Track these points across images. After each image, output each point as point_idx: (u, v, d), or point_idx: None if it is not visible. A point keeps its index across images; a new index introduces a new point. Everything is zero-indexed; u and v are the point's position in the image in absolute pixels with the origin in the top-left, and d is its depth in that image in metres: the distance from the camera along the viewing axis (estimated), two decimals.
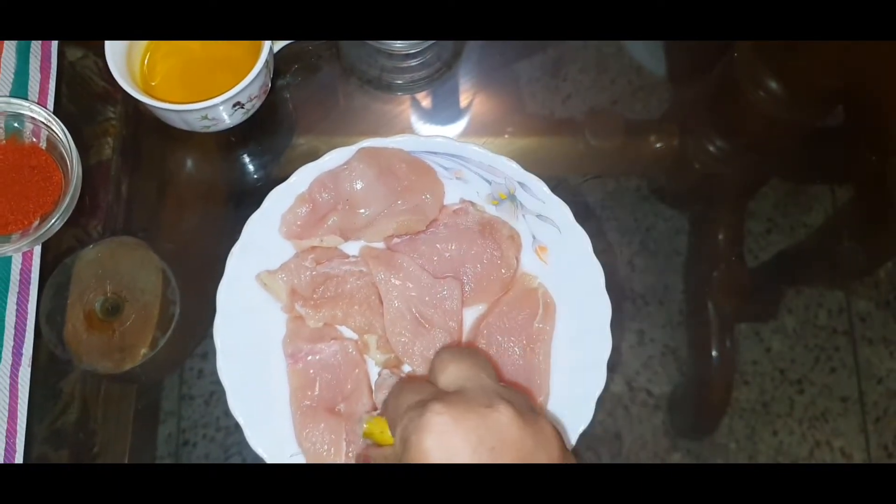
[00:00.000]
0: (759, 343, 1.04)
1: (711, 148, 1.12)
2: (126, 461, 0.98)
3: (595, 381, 0.92)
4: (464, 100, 1.11)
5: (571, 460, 0.69)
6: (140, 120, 1.09)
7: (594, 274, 0.93)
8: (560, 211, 0.95)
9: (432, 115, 1.11)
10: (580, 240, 0.94)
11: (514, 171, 0.96)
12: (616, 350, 0.92)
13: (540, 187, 0.95)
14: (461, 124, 1.10)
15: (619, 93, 1.13)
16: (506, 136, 1.10)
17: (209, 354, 1.00)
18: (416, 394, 0.71)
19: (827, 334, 1.05)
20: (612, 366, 0.92)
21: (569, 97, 1.12)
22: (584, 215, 0.96)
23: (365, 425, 0.80)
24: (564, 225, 0.95)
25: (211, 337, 0.95)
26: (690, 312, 1.05)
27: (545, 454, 0.66)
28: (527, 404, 0.70)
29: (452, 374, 0.73)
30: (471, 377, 0.72)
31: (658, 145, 1.12)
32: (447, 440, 0.64)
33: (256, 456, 0.92)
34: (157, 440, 0.99)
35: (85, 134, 1.06)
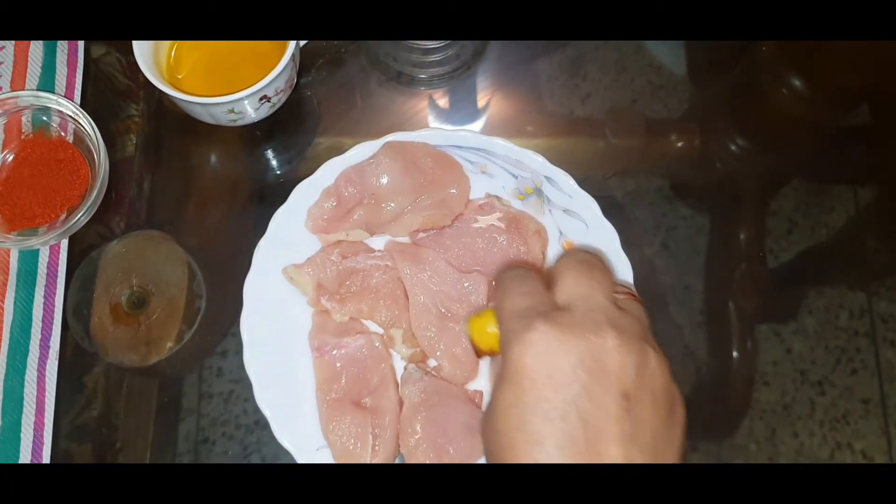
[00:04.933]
0: (780, 344, 1.04)
1: (733, 147, 1.12)
2: (147, 458, 0.98)
3: None
4: (484, 97, 1.11)
5: (676, 394, 0.69)
6: (163, 116, 1.10)
7: (623, 269, 0.93)
8: (587, 205, 0.95)
9: (453, 112, 1.11)
10: (608, 234, 0.94)
11: (540, 165, 0.96)
12: None
13: (567, 181, 0.95)
14: (481, 122, 1.10)
15: (639, 92, 1.13)
16: (526, 134, 1.10)
17: (228, 353, 1.01)
18: (526, 297, 0.72)
19: (848, 336, 1.05)
20: None
21: (588, 96, 1.13)
22: (606, 213, 0.96)
23: (468, 324, 0.80)
24: (592, 219, 0.95)
25: (230, 335, 0.95)
26: (710, 312, 1.05)
27: (648, 384, 0.66)
28: (638, 330, 0.69)
29: (568, 287, 0.72)
30: (584, 296, 0.71)
31: (679, 144, 1.12)
32: (548, 360, 0.65)
33: (275, 454, 0.92)
34: (178, 438, 0.99)
35: (108, 130, 1.07)
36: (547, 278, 0.74)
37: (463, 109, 1.11)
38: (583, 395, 0.64)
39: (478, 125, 1.10)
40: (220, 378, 1.01)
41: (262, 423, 0.93)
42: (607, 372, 0.65)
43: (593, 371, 0.64)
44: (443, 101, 1.11)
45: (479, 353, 0.79)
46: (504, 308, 0.72)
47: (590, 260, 0.76)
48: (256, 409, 0.91)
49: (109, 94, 1.10)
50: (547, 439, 0.63)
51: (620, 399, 0.64)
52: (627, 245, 0.94)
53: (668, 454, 0.66)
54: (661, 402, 0.66)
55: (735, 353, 1.04)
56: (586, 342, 0.65)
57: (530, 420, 0.64)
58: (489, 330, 0.75)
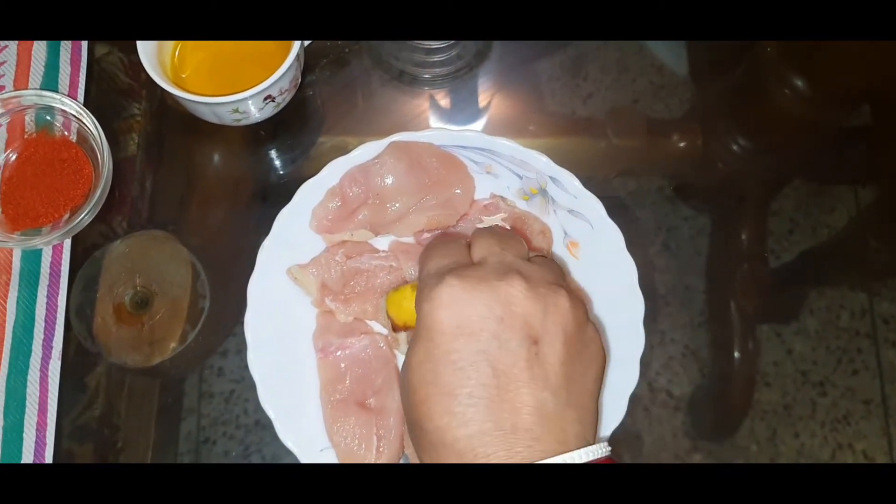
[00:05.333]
0: (781, 344, 1.04)
1: (734, 147, 1.12)
2: (149, 458, 0.98)
3: (627, 378, 0.92)
4: (485, 97, 1.11)
5: (590, 334, 0.71)
6: (166, 115, 1.09)
7: (627, 270, 0.93)
8: (592, 206, 0.95)
9: (455, 112, 1.11)
10: (613, 235, 0.94)
11: (545, 165, 0.96)
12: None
13: (571, 182, 0.95)
14: (483, 121, 1.10)
15: (640, 92, 1.13)
16: (528, 133, 1.10)
17: (229, 352, 1.00)
18: (444, 258, 0.75)
19: (849, 336, 1.05)
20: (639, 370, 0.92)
21: (590, 96, 1.12)
22: (611, 213, 0.96)
23: (385, 300, 0.83)
24: (596, 220, 0.95)
25: (231, 335, 0.95)
26: (712, 313, 1.05)
27: (558, 326, 0.68)
28: (548, 277, 0.72)
29: (482, 248, 0.76)
30: (495, 252, 0.74)
31: (681, 144, 1.12)
32: (456, 312, 0.67)
33: (276, 453, 0.92)
34: (178, 438, 0.98)
35: (111, 129, 1.06)
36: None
37: (465, 109, 1.11)
38: (492, 343, 0.66)
39: (480, 125, 1.10)
40: (220, 378, 1.00)
41: (262, 423, 0.93)
42: (515, 318, 0.67)
43: (501, 319, 0.67)
44: (445, 101, 1.11)
45: (395, 328, 0.85)
46: (422, 272, 0.75)
47: (504, 230, 0.84)
48: (257, 409, 0.91)
49: (112, 93, 1.09)
50: (458, 389, 0.65)
51: (529, 344, 0.67)
52: (629, 245, 0.94)
53: (582, 394, 0.69)
54: (572, 343, 0.69)
55: (736, 354, 1.04)
56: (493, 291, 0.68)
57: (442, 372, 0.66)
58: (405, 304, 0.80)
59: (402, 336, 0.94)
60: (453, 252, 0.76)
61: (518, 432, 0.64)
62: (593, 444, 0.66)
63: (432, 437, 0.66)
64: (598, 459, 0.65)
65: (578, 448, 0.65)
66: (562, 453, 0.64)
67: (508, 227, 0.95)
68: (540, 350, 0.67)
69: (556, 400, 0.66)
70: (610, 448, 0.68)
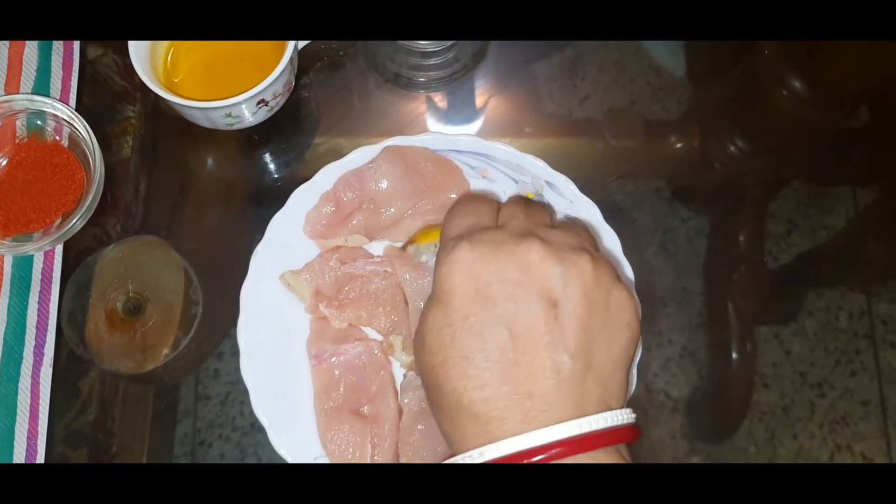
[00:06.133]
0: (780, 346, 1.04)
1: (732, 148, 1.11)
2: (144, 461, 0.97)
3: None
4: (482, 100, 1.11)
5: (622, 300, 0.70)
6: (160, 119, 1.09)
7: (624, 274, 0.93)
8: (588, 211, 0.94)
9: (452, 115, 1.10)
10: (609, 239, 0.94)
11: (541, 170, 0.95)
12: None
13: (568, 186, 0.95)
14: (480, 124, 1.10)
15: (637, 93, 1.13)
16: (524, 135, 1.09)
17: (224, 355, 1.00)
18: (466, 218, 0.76)
19: (848, 337, 1.05)
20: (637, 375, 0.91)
21: (587, 97, 1.12)
22: (607, 217, 0.96)
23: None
24: (593, 224, 0.94)
25: (227, 337, 0.95)
26: (710, 314, 1.04)
27: (578, 289, 0.67)
28: (571, 241, 0.71)
29: (505, 212, 0.76)
30: (518, 217, 0.75)
31: (678, 146, 1.11)
32: (474, 276, 0.68)
33: (272, 456, 0.92)
34: (174, 440, 0.98)
35: (104, 133, 1.06)
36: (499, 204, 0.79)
37: (462, 112, 1.10)
38: (508, 307, 0.66)
39: (476, 127, 1.10)
40: (216, 380, 1.00)
41: (258, 426, 0.92)
42: (533, 281, 0.67)
43: (519, 282, 0.67)
44: (442, 104, 1.10)
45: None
46: (443, 232, 0.76)
47: (535, 201, 0.83)
48: (253, 412, 0.90)
49: (106, 95, 1.09)
50: (475, 352, 0.65)
51: (548, 307, 0.66)
52: (626, 247, 0.93)
53: (606, 360, 0.68)
54: (595, 307, 0.67)
55: (734, 355, 1.04)
56: (510, 255, 0.68)
57: (459, 336, 0.66)
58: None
59: (397, 342, 0.94)
60: (474, 212, 0.77)
61: (535, 397, 0.64)
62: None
63: (449, 399, 0.67)
64: (617, 426, 0.65)
65: (597, 414, 0.64)
66: (578, 418, 0.63)
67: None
68: (559, 313, 0.66)
69: (575, 364, 0.65)
70: (634, 415, 0.67)
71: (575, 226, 0.76)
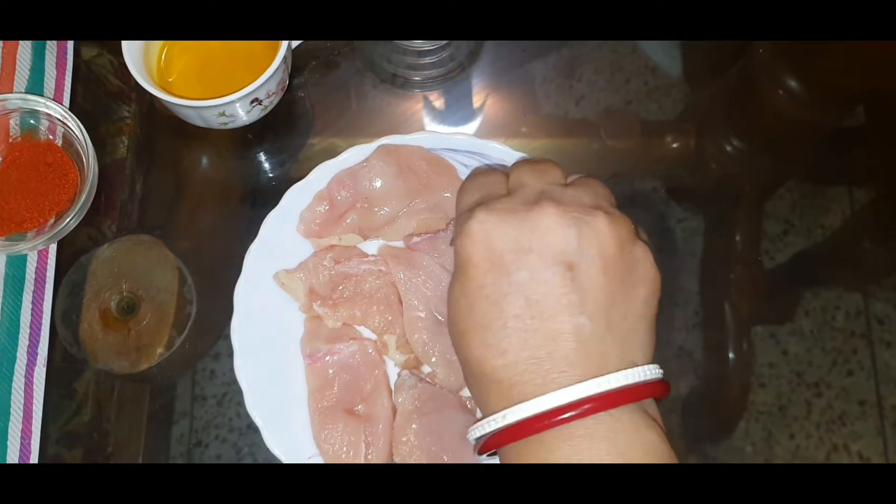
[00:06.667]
0: (776, 345, 1.04)
1: (728, 148, 1.11)
2: (139, 462, 0.97)
3: None
4: (478, 99, 1.11)
5: (637, 255, 0.70)
6: (155, 118, 1.09)
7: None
8: None
9: (448, 115, 1.10)
10: None
11: None
12: None
13: None
14: (476, 124, 1.10)
15: (634, 93, 1.12)
16: (520, 135, 1.09)
17: (221, 355, 1.00)
18: (477, 191, 0.76)
19: (844, 337, 1.04)
20: None
21: (583, 98, 1.12)
22: None
23: None
24: None
25: (223, 338, 0.95)
26: (706, 314, 1.04)
27: (594, 249, 0.67)
28: (585, 200, 0.71)
29: (513, 177, 0.76)
30: (527, 181, 0.74)
31: (674, 146, 1.11)
32: (488, 244, 0.68)
33: (268, 457, 0.91)
34: (170, 441, 0.98)
35: (100, 133, 1.06)
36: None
37: (458, 111, 1.10)
38: (523, 274, 0.66)
39: (472, 127, 1.09)
40: (213, 381, 1.00)
41: (255, 427, 0.92)
42: (548, 245, 0.67)
43: (532, 247, 0.67)
44: (437, 103, 1.10)
45: None
46: (457, 209, 0.77)
47: (542, 159, 0.79)
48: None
49: (101, 95, 1.09)
50: (493, 322, 0.66)
51: (564, 270, 0.66)
52: None
53: (627, 317, 0.68)
54: (613, 265, 0.67)
55: (731, 355, 1.04)
56: (522, 221, 0.68)
57: (476, 306, 0.68)
58: None
59: (391, 341, 0.94)
60: (485, 185, 0.77)
61: (555, 360, 0.64)
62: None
63: (473, 367, 0.68)
64: (642, 382, 0.65)
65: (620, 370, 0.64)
66: (598, 377, 0.63)
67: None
68: (576, 276, 0.66)
69: (595, 324, 0.65)
70: (660, 371, 0.68)
71: (588, 182, 0.75)
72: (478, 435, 0.68)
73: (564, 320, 0.65)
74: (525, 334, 0.65)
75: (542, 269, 0.66)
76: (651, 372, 0.67)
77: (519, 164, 0.78)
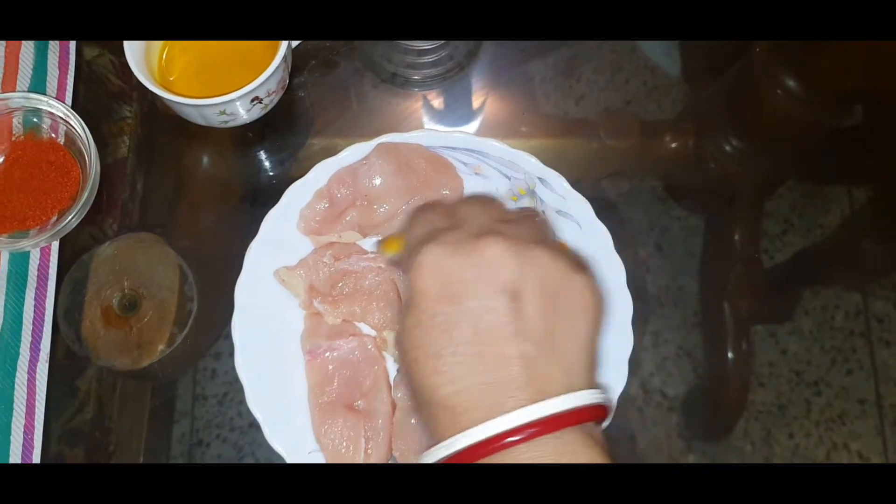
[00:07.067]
0: (776, 345, 1.04)
1: (727, 148, 1.11)
2: (140, 461, 0.98)
3: (616, 378, 0.91)
4: (478, 99, 1.11)
5: (577, 282, 0.72)
6: (156, 118, 1.09)
7: (615, 270, 0.93)
8: (580, 207, 0.95)
9: (447, 114, 1.11)
10: (601, 236, 0.94)
11: (533, 166, 0.96)
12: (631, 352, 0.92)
13: (560, 183, 0.95)
14: (475, 124, 1.10)
15: (633, 93, 1.13)
16: (520, 135, 1.10)
17: (222, 355, 1.00)
18: (423, 224, 0.79)
19: (844, 336, 1.05)
20: (628, 370, 0.92)
21: (583, 97, 1.12)
22: (600, 214, 0.96)
23: (381, 243, 0.88)
24: (585, 221, 0.95)
25: (224, 337, 0.95)
26: (706, 314, 1.04)
27: (536, 279, 0.69)
28: (526, 234, 0.74)
29: (461, 211, 0.79)
30: (474, 214, 0.78)
31: (673, 145, 1.11)
32: (438, 276, 0.70)
33: (269, 456, 0.92)
34: (171, 440, 0.98)
35: (101, 132, 1.06)
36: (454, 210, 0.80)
37: (457, 111, 1.11)
38: (472, 303, 0.68)
39: (472, 127, 1.10)
40: (214, 380, 1.00)
41: (256, 425, 0.92)
42: (493, 276, 0.69)
43: (480, 278, 0.69)
44: (437, 103, 1.11)
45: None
46: (408, 238, 0.79)
47: (488, 196, 0.87)
48: (251, 411, 0.91)
49: (103, 95, 1.09)
50: (444, 350, 0.67)
51: (509, 300, 0.68)
52: (621, 246, 0.93)
53: (569, 344, 0.70)
54: (554, 295, 0.70)
55: (730, 354, 1.04)
56: (470, 253, 0.70)
57: (429, 335, 0.69)
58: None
59: (391, 337, 0.94)
60: (432, 218, 0.79)
61: (501, 385, 0.66)
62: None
63: (425, 394, 0.69)
64: (585, 406, 0.66)
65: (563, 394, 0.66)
66: (544, 400, 0.65)
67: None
68: (520, 305, 0.68)
69: (539, 350, 0.67)
70: (603, 395, 0.69)
71: (530, 217, 0.80)
72: (429, 462, 0.68)
73: (511, 346, 0.67)
74: (475, 361, 0.67)
75: (488, 298, 0.68)
76: (593, 396, 0.68)
77: (465, 199, 0.84)
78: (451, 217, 0.79)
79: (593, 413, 0.67)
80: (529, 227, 0.76)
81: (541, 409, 0.64)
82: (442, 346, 0.68)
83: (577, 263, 0.73)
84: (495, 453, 0.63)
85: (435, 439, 0.68)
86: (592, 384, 0.70)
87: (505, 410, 0.64)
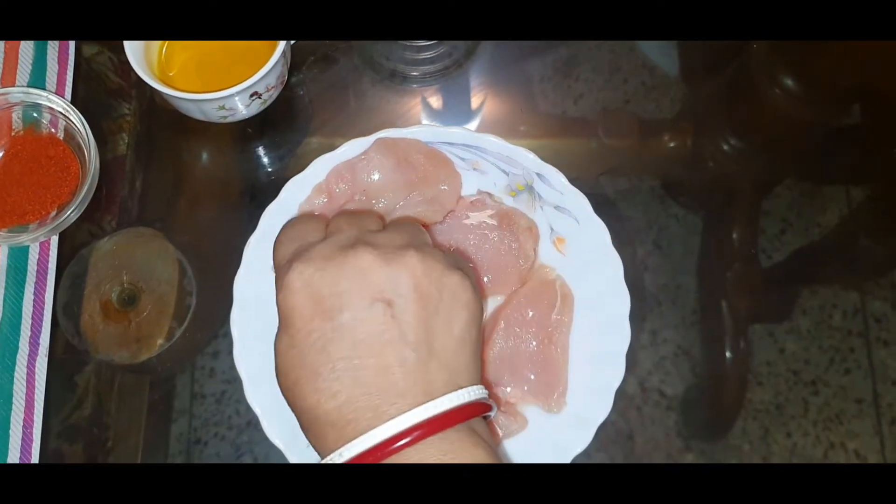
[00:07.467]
0: (773, 344, 1.04)
1: (725, 147, 1.12)
2: (139, 458, 0.98)
3: (613, 373, 0.91)
4: (476, 96, 1.11)
5: (449, 281, 0.72)
6: (155, 115, 1.10)
7: (613, 265, 0.93)
8: (578, 202, 0.95)
9: (446, 111, 1.11)
10: (599, 231, 0.94)
11: (532, 161, 0.95)
12: (629, 350, 0.91)
13: (558, 178, 0.95)
14: (474, 121, 1.10)
15: (631, 92, 1.13)
16: (518, 133, 1.10)
17: (221, 353, 1.01)
18: (293, 242, 0.78)
19: (842, 335, 1.05)
20: (625, 366, 0.92)
21: (581, 97, 1.13)
22: (598, 210, 0.96)
23: None
24: (583, 216, 0.95)
25: (222, 336, 0.95)
26: (704, 313, 1.04)
27: (409, 284, 0.70)
28: (396, 241, 0.74)
29: (332, 225, 0.79)
30: (342, 228, 0.77)
31: (672, 144, 1.11)
32: (309, 294, 0.70)
33: (268, 454, 0.92)
34: (170, 438, 0.99)
35: (100, 129, 1.06)
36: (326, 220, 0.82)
37: (455, 108, 1.11)
38: (346, 316, 0.69)
39: (470, 125, 1.10)
40: (212, 378, 1.00)
41: (254, 424, 0.93)
42: (366, 286, 0.69)
43: (352, 290, 0.69)
44: (435, 100, 1.11)
45: None
46: (274, 260, 0.79)
47: (359, 209, 0.87)
48: (249, 410, 0.90)
49: (102, 93, 1.10)
50: (322, 367, 0.68)
51: (384, 307, 0.69)
52: (620, 244, 0.93)
53: (448, 344, 0.71)
54: (428, 297, 0.71)
55: (728, 353, 1.04)
56: (339, 266, 0.70)
57: (306, 353, 0.69)
58: None
59: None
60: (300, 234, 0.79)
61: (383, 392, 0.66)
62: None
63: (308, 415, 0.69)
64: (466, 403, 0.68)
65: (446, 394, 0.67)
66: (426, 403, 0.66)
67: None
68: (395, 311, 0.69)
69: (418, 354, 0.68)
70: (485, 392, 0.70)
71: (401, 225, 0.80)
72: None
73: (389, 354, 0.68)
74: (354, 373, 0.67)
75: (362, 308, 0.69)
76: (475, 393, 0.69)
77: (337, 213, 0.82)
78: (317, 232, 0.79)
79: (476, 409, 0.69)
80: (399, 233, 0.76)
81: (424, 411, 0.65)
82: (320, 363, 0.68)
83: (450, 262, 0.74)
84: (384, 459, 0.64)
85: (323, 456, 0.68)
86: (475, 381, 0.72)
87: (388, 417, 0.65)
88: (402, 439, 0.64)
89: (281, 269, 0.75)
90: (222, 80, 0.95)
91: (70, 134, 1.02)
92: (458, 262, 0.76)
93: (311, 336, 0.69)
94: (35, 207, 0.99)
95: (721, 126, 1.13)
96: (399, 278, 0.69)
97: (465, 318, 0.72)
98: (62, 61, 1.07)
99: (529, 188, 0.97)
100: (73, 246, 1.02)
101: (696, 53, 1.16)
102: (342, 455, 0.65)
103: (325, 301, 0.69)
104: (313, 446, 0.71)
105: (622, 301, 0.92)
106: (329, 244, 0.73)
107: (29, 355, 0.97)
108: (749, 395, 1.02)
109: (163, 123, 1.09)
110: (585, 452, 0.89)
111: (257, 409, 0.90)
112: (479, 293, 0.76)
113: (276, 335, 0.73)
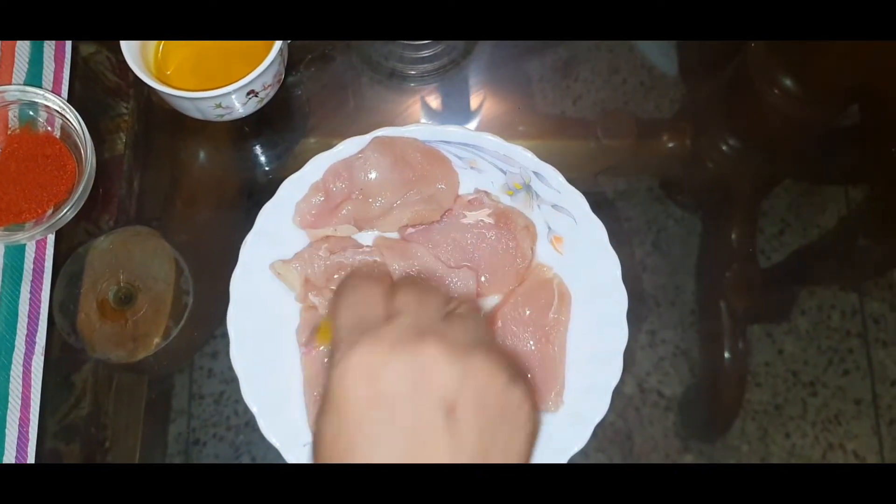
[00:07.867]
0: (772, 344, 1.04)
1: (724, 147, 1.12)
2: (137, 458, 0.98)
3: (611, 372, 0.91)
4: (474, 96, 1.11)
5: (513, 397, 0.68)
6: (152, 114, 1.09)
7: (610, 264, 0.93)
8: (575, 201, 0.95)
9: (444, 110, 1.11)
10: (596, 230, 0.94)
11: (529, 160, 0.96)
12: (627, 351, 0.92)
13: (555, 177, 0.95)
14: (473, 120, 1.10)
15: (630, 93, 1.13)
16: (517, 133, 1.10)
17: (219, 354, 1.00)
18: (357, 308, 0.72)
19: (840, 336, 1.05)
20: (624, 366, 0.92)
21: (580, 97, 1.12)
22: (595, 210, 0.96)
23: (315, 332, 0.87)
24: (580, 215, 0.95)
25: (220, 336, 0.95)
26: (702, 313, 1.04)
27: (476, 391, 0.65)
28: (466, 337, 0.69)
29: (399, 297, 0.72)
30: (412, 309, 0.71)
31: (670, 145, 1.11)
32: (369, 381, 0.64)
33: (265, 454, 0.92)
34: (168, 439, 0.98)
35: (97, 129, 1.06)
36: (390, 287, 0.74)
37: (454, 108, 1.11)
38: (406, 412, 0.64)
39: (469, 124, 1.10)
40: (210, 379, 1.00)
41: (252, 424, 0.92)
42: (430, 383, 0.64)
43: (416, 385, 0.64)
44: (433, 99, 1.11)
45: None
46: (335, 324, 0.72)
47: (425, 282, 0.77)
48: (247, 410, 0.90)
49: (99, 92, 1.09)
50: (373, 458, 0.63)
51: (445, 411, 0.64)
52: (618, 244, 0.93)
53: (504, 458, 0.66)
54: (493, 408, 0.66)
55: (727, 354, 1.04)
56: (407, 356, 0.65)
57: (358, 445, 0.64)
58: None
59: None
60: (363, 302, 0.73)
61: None
62: None
63: None
64: None
65: None
66: None
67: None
68: (457, 417, 0.64)
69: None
70: None
71: (467, 314, 0.74)
72: None
73: (446, 460, 0.64)
74: None
75: (425, 408, 0.64)
76: None
77: (403, 285, 0.75)
78: (383, 305, 0.73)
79: None
80: (469, 327, 0.71)
81: None
82: (371, 455, 0.63)
83: (515, 372, 0.70)
84: None
85: None
86: None
87: None
88: None
89: (340, 343, 0.69)
90: (219, 79, 0.95)
91: (66, 132, 1.02)
92: (519, 370, 0.73)
93: (364, 428, 0.64)
94: (31, 206, 0.99)
95: (720, 126, 1.13)
96: (466, 382, 0.65)
97: (524, 435, 0.68)
98: (59, 59, 1.07)
99: (527, 187, 0.97)
100: (69, 244, 1.02)
101: (695, 54, 1.16)
102: None
103: (384, 392, 0.64)
104: None
105: (619, 299, 0.92)
106: (396, 329, 0.68)
107: (25, 354, 0.97)
108: (748, 396, 1.02)
109: (160, 122, 1.09)
110: (584, 452, 0.89)
111: (254, 407, 0.90)
112: (537, 407, 0.71)
113: (321, 412, 0.68)
